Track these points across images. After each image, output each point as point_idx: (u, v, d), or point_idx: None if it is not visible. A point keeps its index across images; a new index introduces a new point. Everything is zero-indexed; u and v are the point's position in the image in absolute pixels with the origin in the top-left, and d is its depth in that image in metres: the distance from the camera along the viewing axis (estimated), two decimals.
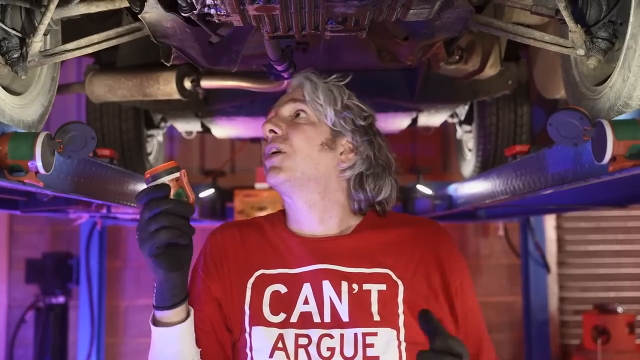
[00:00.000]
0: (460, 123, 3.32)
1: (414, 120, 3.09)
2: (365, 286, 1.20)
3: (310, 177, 1.23)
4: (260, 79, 2.32)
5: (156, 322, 1.17)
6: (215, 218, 3.54)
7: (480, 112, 3.05)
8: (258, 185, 3.42)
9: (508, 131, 2.95)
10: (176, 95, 2.38)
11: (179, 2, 1.35)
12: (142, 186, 2.31)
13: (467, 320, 1.26)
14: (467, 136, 3.31)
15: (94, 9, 1.53)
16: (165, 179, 1.13)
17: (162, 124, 3.27)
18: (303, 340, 1.17)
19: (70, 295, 4.21)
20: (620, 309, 3.90)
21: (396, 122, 3.15)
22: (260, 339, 1.19)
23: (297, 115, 1.28)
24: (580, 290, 4.54)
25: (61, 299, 4.12)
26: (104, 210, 2.69)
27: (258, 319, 1.20)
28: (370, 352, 1.16)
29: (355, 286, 1.19)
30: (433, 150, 4.60)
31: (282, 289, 1.21)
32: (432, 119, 3.13)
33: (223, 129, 3.18)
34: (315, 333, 1.17)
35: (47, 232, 4.50)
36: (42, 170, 1.26)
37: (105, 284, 4.35)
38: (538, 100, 3.06)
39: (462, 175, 3.43)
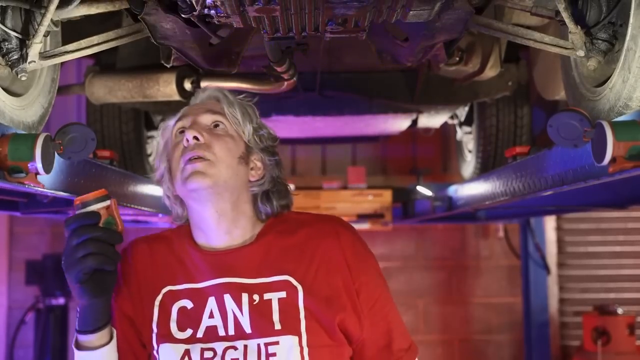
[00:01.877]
0: (460, 124, 3.32)
1: (414, 122, 3.09)
2: (266, 295, 1.21)
3: (228, 186, 1.24)
4: (260, 80, 2.32)
5: (79, 346, 1.20)
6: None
7: (480, 114, 3.06)
8: None
9: (508, 132, 2.95)
10: (176, 97, 2.38)
11: (179, 3, 1.35)
12: (141, 187, 2.32)
13: (373, 312, 1.25)
14: (467, 137, 3.31)
15: (94, 10, 1.53)
16: (96, 207, 1.16)
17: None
18: (208, 354, 1.19)
19: (71, 296, 4.21)
20: (620, 310, 3.90)
21: (396, 124, 3.15)
22: (167, 356, 1.20)
23: (216, 126, 1.27)
24: (580, 292, 4.54)
25: (61, 301, 4.11)
26: None
27: (165, 336, 1.21)
28: None
29: (256, 297, 1.21)
30: (433, 152, 4.60)
31: (189, 304, 1.23)
32: (432, 120, 3.13)
33: None
34: (220, 346, 1.19)
35: (47, 234, 4.50)
36: (42, 172, 1.26)
37: None
38: (538, 101, 3.06)
39: (462, 176, 3.43)
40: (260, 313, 1.20)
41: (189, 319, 1.22)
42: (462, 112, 3.27)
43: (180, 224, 1.33)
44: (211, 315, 1.21)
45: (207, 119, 1.27)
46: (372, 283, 1.26)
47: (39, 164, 1.24)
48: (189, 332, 1.21)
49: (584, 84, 1.49)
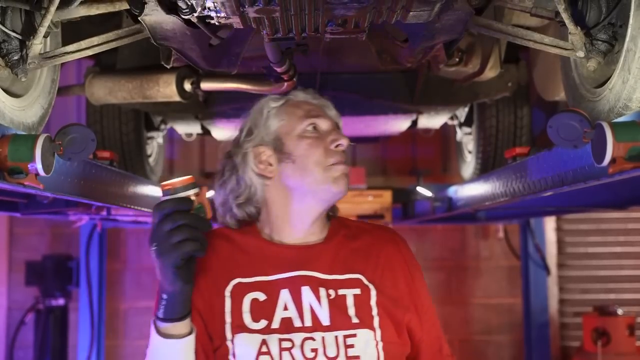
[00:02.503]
0: (460, 125, 3.32)
1: (414, 122, 3.09)
2: (341, 291, 1.25)
3: None
4: (260, 81, 2.32)
5: (162, 334, 1.17)
6: (215, 220, 3.53)
7: (480, 114, 3.06)
8: None
9: (508, 133, 2.95)
10: (176, 98, 2.38)
11: (179, 4, 1.35)
12: (141, 188, 2.32)
13: (427, 317, 1.34)
14: (467, 138, 3.31)
15: (94, 11, 1.53)
16: (186, 194, 1.14)
17: (162, 126, 3.27)
18: (286, 344, 1.20)
19: (70, 297, 4.21)
20: (620, 311, 3.90)
21: (396, 124, 3.15)
22: (243, 346, 1.20)
23: None
24: (580, 292, 4.54)
25: (61, 301, 4.11)
26: (104, 213, 2.69)
27: (240, 327, 1.21)
28: (351, 352, 1.21)
29: (331, 292, 1.25)
30: (433, 152, 4.60)
31: (261, 296, 1.24)
32: (432, 121, 3.13)
33: (223, 131, 3.18)
34: (297, 337, 1.21)
35: (47, 234, 4.50)
36: (42, 173, 1.26)
37: (105, 286, 4.34)
38: (538, 102, 3.06)
39: (462, 177, 3.43)
40: (336, 307, 1.23)
41: (262, 310, 1.23)
42: (462, 112, 3.27)
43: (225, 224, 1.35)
44: (285, 308, 1.23)
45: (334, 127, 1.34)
46: (424, 290, 1.35)
47: (38, 165, 1.24)
48: (264, 323, 1.22)
49: (583, 85, 1.49)
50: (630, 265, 4.51)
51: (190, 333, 1.19)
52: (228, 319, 1.22)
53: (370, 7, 1.32)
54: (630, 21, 1.23)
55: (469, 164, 3.28)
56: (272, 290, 1.24)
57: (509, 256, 4.51)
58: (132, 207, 2.22)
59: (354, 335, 1.22)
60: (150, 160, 3.23)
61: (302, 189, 1.28)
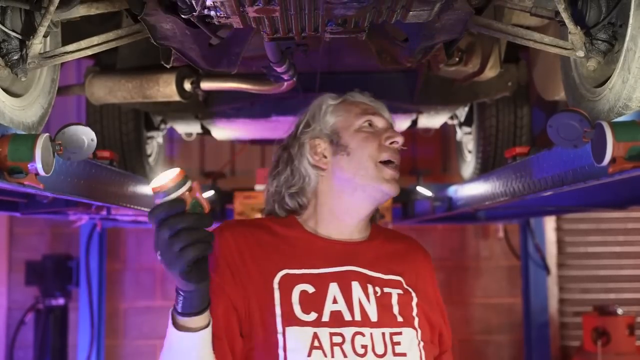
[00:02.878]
0: (460, 125, 3.32)
1: (414, 122, 3.09)
2: (386, 289, 1.28)
3: None
4: (260, 81, 2.32)
5: (179, 328, 1.16)
6: (215, 220, 3.53)
7: (480, 114, 3.06)
8: (258, 187, 3.41)
9: (508, 133, 2.95)
10: (176, 97, 2.38)
11: (179, 4, 1.35)
12: (141, 188, 2.32)
13: (447, 326, 1.40)
14: (467, 138, 3.31)
15: (93, 10, 1.53)
16: (179, 193, 1.08)
17: (162, 126, 3.27)
18: (337, 339, 1.20)
19: (70, 297, 4.21)
20: (620, 311, 3.90)
21: (396, 124, 3.14)
22: (296, 339, 1.19)
23: None
24: (580, 292, 4.53)
25: (61, 301, 4.11)
26: (104, 212, 2.69)
27: (291, 319, 1.21)
28: (398, 349, 1.23)
29: (377, 289, 1.27)
30: (433, 152, 4.60)
31: (310, 288, 1.24)
32: (432, 120, 3.13)
33: (223, 131, 3.18)
34: (348, 331, 1.21)
35: (47, 234, 4.50)
36: (42, 172, 1.26)
37: (105, 286, 4.34)
38: (538, 102, 3.06)
39: (462, 176, 3.43)
40: (382, 304, 1.26)
41: (312, 303, 1.23)
42: (462, 112, 3.27)
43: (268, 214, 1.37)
44: (335, 301, 1.23)
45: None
46: (442, 301, 1.41)
47: (38, 165, 1.24)
48: (314, 315, 1.21)
49: (583, 85, 1.49)
50: (630, 264, 4.51)
51: (207, 325, 1.17)
52: (278, 310, 1.21)
53: (370, 6, 1.32)
54: (630, 21, 1.23)
55: (468, 164, 3.28)
56: (320, 283, 1.24)
57: (508, 256, 4.51)
58: (132, 206, 2.22)
59: (400, 333, 1.24)
60: (150, 159, 3.23)
61: (354, 183, 1.30)
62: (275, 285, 1.23)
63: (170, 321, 1.17)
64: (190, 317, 1.15)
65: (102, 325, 4.27)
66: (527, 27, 1.59)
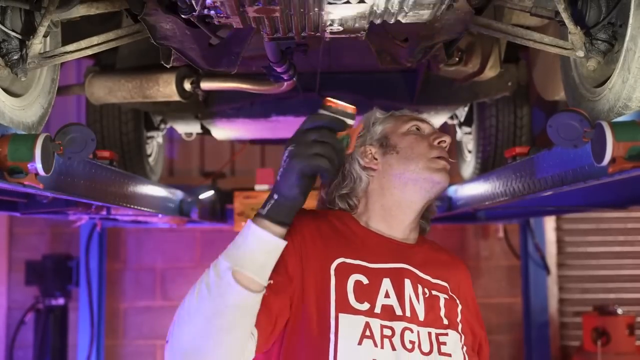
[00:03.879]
0: (460, 125, 3.32)
1: None
2: (434, 292, 1.30)
3: None
4: (260, 81, 2.32)
5: (261, 226, 1.15)
6: (215, 220, 3.54)
7: (480, 114, 3.06)
8: (258, 187, 3.41)
9: (508, 133, 2.95)
10: (176, 97, 2.38)
11: (179, 4, 1.35)
12: (141, 187, 2.32)
13: (485, 339, 1.42)
14: (466, 138, 3.31)
15: (93, 10, 1.53)
16: (345, 119, 1.15)
17: (162, 126, 3.27)
18: (387, 332, 1.21)
19: (70, 297, 4.21)
20: (620, 311, 3.90)
21: None
22: (348, 326, 1.20)
23: None
24: (580, 292, 4.54)
25: (61, 301, 4.11)
26: (104, 212, 2.69)
27: (344, 306, 1.22)
28: (443, 349, 1.25)
29: (427, 290, 1.29)
30: None
31: (364, 279, 1.25)
32: (432, 120, 3.12)
33: (223, 131, 3.18)
34: (398, 325, 1.22)
35: (47, 234, 4.50)
36: (41, 172, 1.26)
37: (105, 286, 4.34)
38: (538, 102, 3.06)
39: (462, 176, 3.43)
40: (431, 305, 1.28)
41: (365, 293, 1.24)
42: (462, 112, 3.27)
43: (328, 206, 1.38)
44: (387, 295, 1.25)
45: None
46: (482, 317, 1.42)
47: (38, 165, 1.24)
48: (367, 305, 1.23)
49: (583, 85, 1.49)
50: (630, 264, 4.51)
51: (281, 243, 1.16)
52: (333, 296, 1.22)
53: (370, 7, 1.32)
54: (630, 21, 1.23)
55: (468, 164, 3.28)
56: (374, 276, 1.26)
57: (508, 256, 4.51)
58: (132, 206, 2.22)
59: (446, 334, 1.26)
60: (150, 159, 3.23)
61: (404, 177, 1.32)
62: (332, 272, 1.25)
63: (248, 222, 1.16)
64: (272, 223, 1.14)
65: (102, 325, 4.27)
66: (527, 27, 1.59)
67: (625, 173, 1.20)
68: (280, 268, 1.20)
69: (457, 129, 3.37)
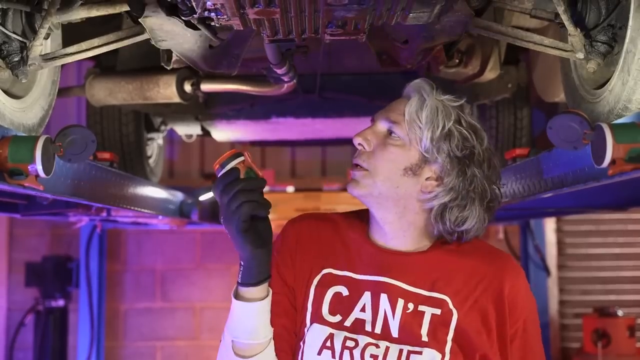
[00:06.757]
0: None
1: None
2: (421, 307, 1.22)
3: (388, 197, 1.24)
4: (260, 82, 2.32)
5: (238, 297, 1.21)
6: (215, 221, 3.54)
7: (480, 116, 3.05)
8: None
9: (508, 134, 2.95)
10: (176, 99, 2.38)
11: (180, 6, 1.36)
12: (141, 189, 2.32)
13: None
14: None
15: (94, 12, 1.53)
16: (232, 164, 1.20)
17: (162, 127, 3.28)
18: (350, 343, 1.21)
19: (70, 298, 4.21)
20: (620, 312, 3.90)
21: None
22: (313, 337, 1.22)
23: (391, 133, 1.26)
24: (580, 294, 4.53)
25: (61, 302, 4.11)
26: (104, 214, 2.69)
27: (317, 317, 1.23)
28: None
29: (410, 305, 1.22)
30: None
31: (345, 291, 1.25)
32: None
33: (223, 132, 3.18)
34: (362, 339, 1.21)
35: (47, 236, 4.50)
36: (42, 174, 1.27)
37: (105, 287, 4.34)
38: (538, 103, 3.06)
39: None
40: (410, 322, 1.21)
41: (341, 305, 1.24)
42: None
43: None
44: (363, 309, 1.23)
45: (382, 126, 1.27)
46: (531, 334, 1.25)
47: (39, 166, 1.25)
48: (338, 317, 1.23)
49: (583, 86, 1.49)
50: (631, 266, 4.51)
51: (263, 299, 1.20)
52: (309, 306, 1.25)
53: (370, 8, 1.32)
54: (630, 23, 1.23)
55: None
56: (356, 288, 1.24)
57: None
58: (132, 208, 2.22)
59: (420, 353, 1.18)
60: (151, 161, 3.23)
61: None
62: (315, 282, 1.26)
63: (232, 291, 1.21)
64: (246, 287, 1.19)
65: (102, 326, 4.27)
66: (527, 29, 1.59)
67: (625, 175, 1.20)
68: (277, 282, 1.25)
69: None
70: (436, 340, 1.19)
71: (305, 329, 1.24)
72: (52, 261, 4.17)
